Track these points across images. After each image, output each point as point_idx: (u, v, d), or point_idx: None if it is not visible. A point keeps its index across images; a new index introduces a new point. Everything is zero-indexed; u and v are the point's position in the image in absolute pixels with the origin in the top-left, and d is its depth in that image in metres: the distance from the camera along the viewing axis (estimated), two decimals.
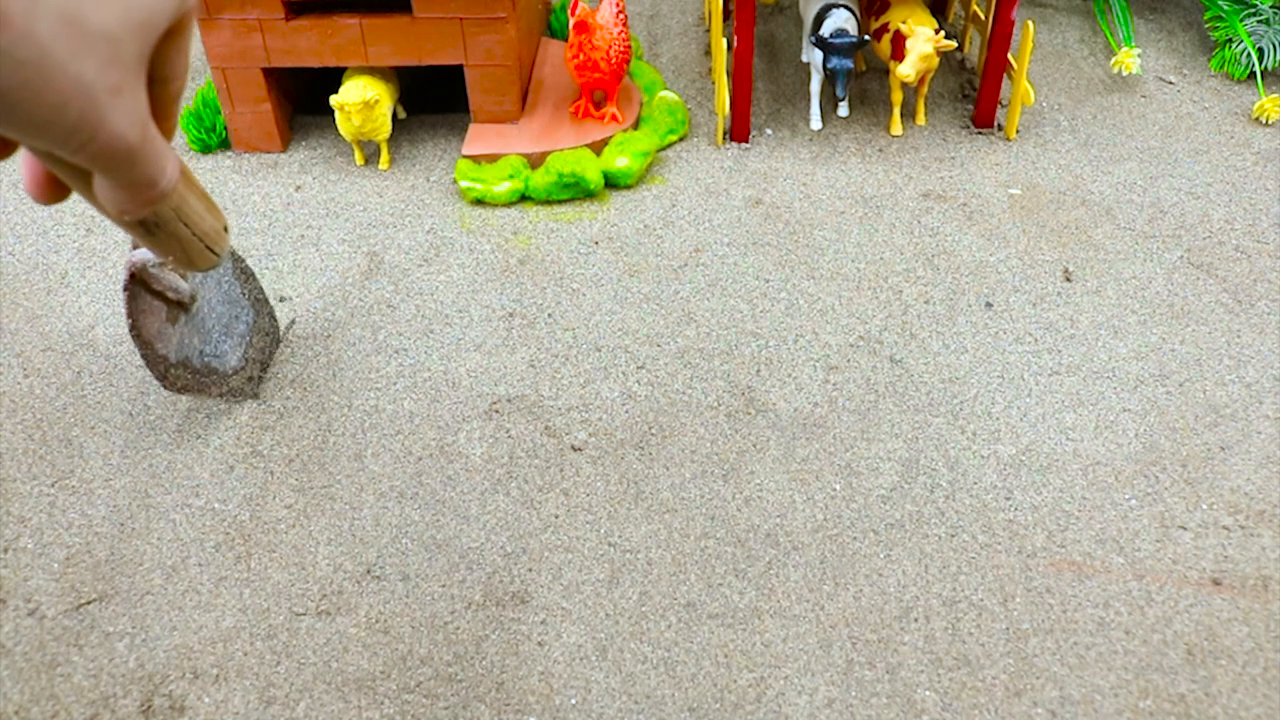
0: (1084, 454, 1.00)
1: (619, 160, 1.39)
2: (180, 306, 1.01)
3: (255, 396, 1.09)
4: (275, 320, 1.15)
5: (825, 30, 1.40)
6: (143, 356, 0.98)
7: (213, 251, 0.75)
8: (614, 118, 1.45)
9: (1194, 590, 0.88)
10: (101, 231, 1.35)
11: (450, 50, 1.39)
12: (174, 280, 0.98)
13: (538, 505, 0.97)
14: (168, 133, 0.54)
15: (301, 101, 1.56)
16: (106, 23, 0.36)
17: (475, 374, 1.12)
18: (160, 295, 0.97)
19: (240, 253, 1.30)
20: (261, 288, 1.12)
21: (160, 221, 0.62)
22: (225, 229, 0.75)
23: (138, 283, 0.94)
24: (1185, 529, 0.93)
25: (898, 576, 0.90)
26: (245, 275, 1.10)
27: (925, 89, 1.50)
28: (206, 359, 1.04)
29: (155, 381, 1.12)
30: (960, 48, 1.69)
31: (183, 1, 0.45)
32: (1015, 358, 1.12)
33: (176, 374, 1.01)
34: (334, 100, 1.35)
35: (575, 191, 1.37)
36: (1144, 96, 1.58)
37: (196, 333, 1.03)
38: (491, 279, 1.25)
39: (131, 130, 0.38)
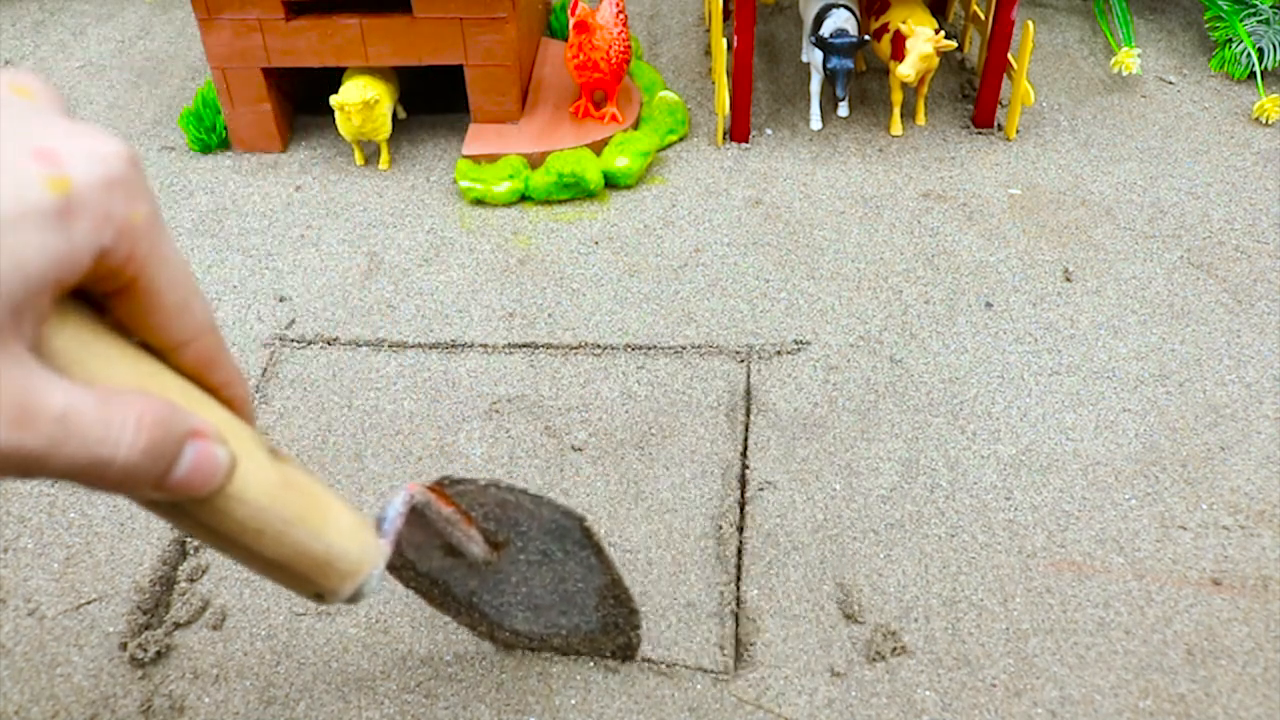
0: (1084, 454, 1.00)
1: (619, 160, 1.39)
2: (459, 556, 0.73)
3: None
4: (622, 637, 0.83)
5: (825, 30, 1.40)
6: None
7: (305, 583, 0.51)
8: (614, 118, 1.45)
9: (1194, 590, 0.88)
10: None
11: (450, 50, 1.39)
12: (465, 536, 0.70)
13: None
14: (237, 404, 0.43)
15: (301, 101, 1.56)
16: None
17: (475, 374, 1.12)
18: (440, 535, 0.70)
19: (242, 253, 1.30)
20: (618, 596, 0.79)
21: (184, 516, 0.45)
22: (352, 567, 0.52)
23: (416, 513, 0.68)
24: (1185, 529, 0.93)
25: (898, 576, 0.90)
26: (612, 598, 0.79)
27: (925, 89, 1.50)
28: (477, 600, 0.79)
29: None
30: (960, 48, 1.69)
31: (69, 252, 0.32)
32: (1015, 358, 1.12)
33: (409, 575, 0.77)
34: (334, 100, 1.35)
35: (575, 191, 1.37)
36: (1144, 96, 1.58)
37: (480, 579, 0.77)
38: (491, 279, 1.25)
39: None
